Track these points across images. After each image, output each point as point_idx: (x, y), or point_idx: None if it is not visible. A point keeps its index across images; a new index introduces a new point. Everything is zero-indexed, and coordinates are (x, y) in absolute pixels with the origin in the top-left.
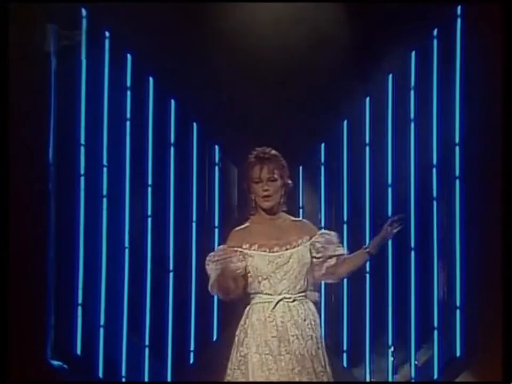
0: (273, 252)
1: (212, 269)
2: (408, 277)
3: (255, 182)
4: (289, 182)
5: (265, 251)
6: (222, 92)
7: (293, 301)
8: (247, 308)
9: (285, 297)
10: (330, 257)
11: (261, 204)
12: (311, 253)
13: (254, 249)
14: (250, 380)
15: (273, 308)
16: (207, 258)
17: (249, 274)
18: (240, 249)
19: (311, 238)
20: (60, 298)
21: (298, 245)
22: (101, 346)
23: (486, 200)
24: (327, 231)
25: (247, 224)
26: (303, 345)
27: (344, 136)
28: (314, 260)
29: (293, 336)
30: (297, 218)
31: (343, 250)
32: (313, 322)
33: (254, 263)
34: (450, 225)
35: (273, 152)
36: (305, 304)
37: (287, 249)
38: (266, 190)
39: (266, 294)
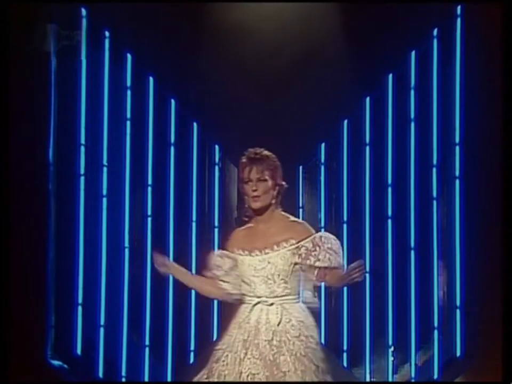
0: (252, 256)
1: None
2: (408, 277)
3: (245, 182)
4: (283, 183)
5: (246, 254)
6: (222, 92)
7: (271, 304)
8: None
9: (261, 301)
10: (310, 266)
11: (250, 204)
12: (297, 257)
13: (239, 253)
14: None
15: (250, 311)
16: None
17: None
18: (225, 251)
19: (300, 241)
20: (60, 298)
21: (279, 249)
22: (101, 346)
23: (486, 200)
24: (323, 234)
25: (250, 224)
26: (274, 350)
27: (344, 136)
28: (299, 265)
29: (265, 341)
30: (294, 219)
31: (325, 262)
32: (297, 325)
33: (238, 266)
34: (450, 225)
35: (265, 153)
36: (288, 308)
37: (266, 253)
38: (255, 190)
39: (248, 296)
